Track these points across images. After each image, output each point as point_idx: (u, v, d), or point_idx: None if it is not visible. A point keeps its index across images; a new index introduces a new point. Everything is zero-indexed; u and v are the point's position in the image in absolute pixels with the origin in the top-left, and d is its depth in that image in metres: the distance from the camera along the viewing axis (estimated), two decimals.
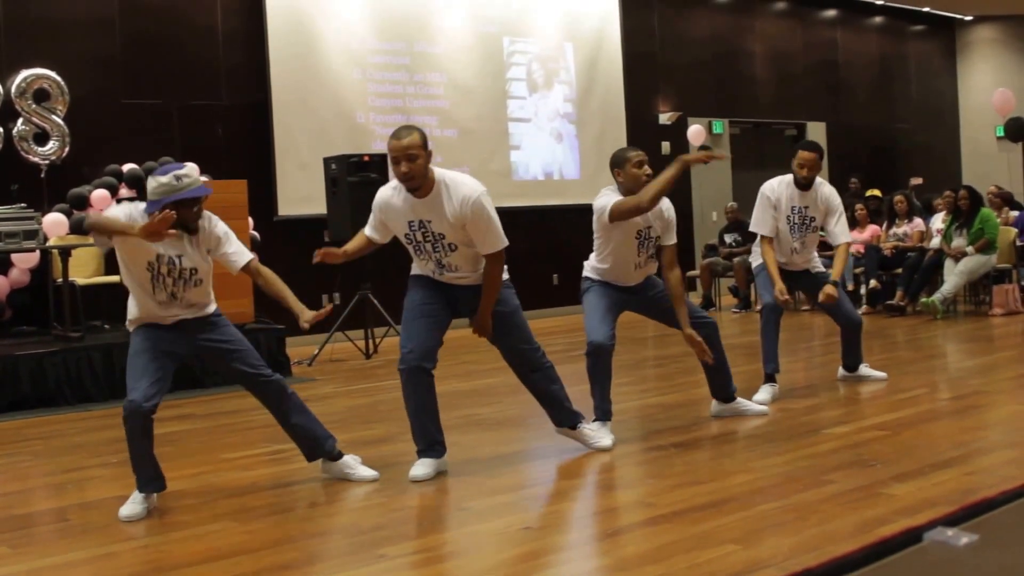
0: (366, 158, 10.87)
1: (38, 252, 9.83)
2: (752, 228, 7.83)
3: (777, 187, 7.76)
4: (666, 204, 6.54)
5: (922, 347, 10.20)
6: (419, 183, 5.48)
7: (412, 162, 5.43)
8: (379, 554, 4.37)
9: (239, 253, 5.49)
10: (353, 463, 5.71)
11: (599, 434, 6.16)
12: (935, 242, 12.79)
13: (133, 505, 5.17)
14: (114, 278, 10.00)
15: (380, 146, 12.78)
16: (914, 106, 20.85)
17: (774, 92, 18.35)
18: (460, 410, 7.62)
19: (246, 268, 5.47)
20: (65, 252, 9.33)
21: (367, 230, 5.87)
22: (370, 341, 11.06)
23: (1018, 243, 12.77)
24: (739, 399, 6.93)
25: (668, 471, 5.60)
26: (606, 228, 6.41)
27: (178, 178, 5.13)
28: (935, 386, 8.05)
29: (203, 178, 5.18)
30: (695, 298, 15.05)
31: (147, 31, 11.84)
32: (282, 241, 11.97)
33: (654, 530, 4.56)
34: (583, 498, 5.40)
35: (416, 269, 5.85)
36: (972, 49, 21.72)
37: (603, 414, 6.38)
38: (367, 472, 5.67)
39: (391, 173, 5.59)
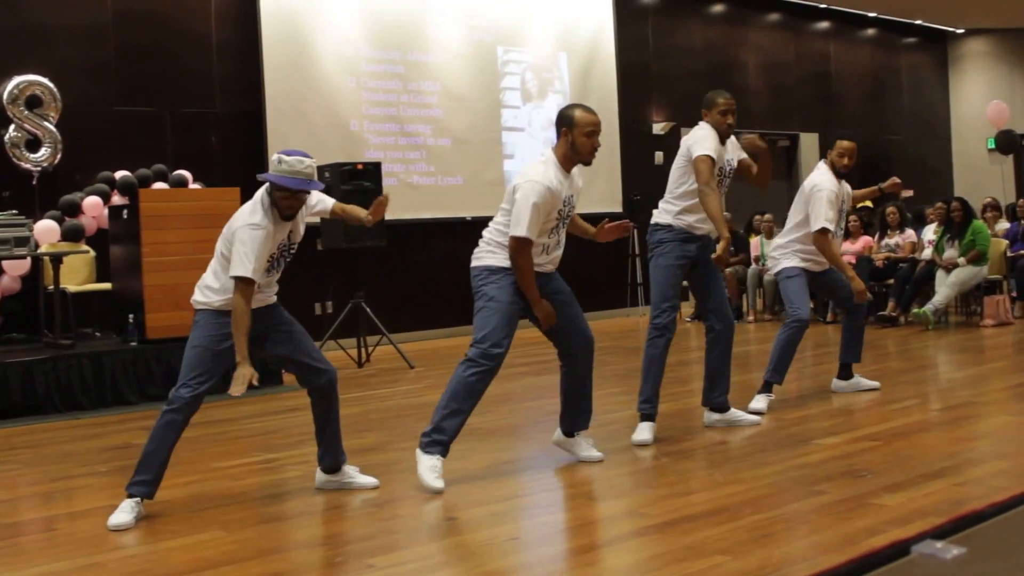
0: (359, 166, 10.85)
1: (29, 259, 9.80)
2: (823, 224, 7.47)
3: (830, 183, 7.74)
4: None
5: (913, 358, 10.20)
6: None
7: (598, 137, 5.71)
8: (368, 564, 4.36)
9: (323, 201, 5.71)
10: (353, 472, 5.71)
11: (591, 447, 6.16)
12: (927, 253, 12.81)
13: (122, 514, 5.13)
14: (105, 286, 10.02)
15: (374, 155, 12.81)
16: (906, 118, 20.89)
17: (767, 103, 18.37)
18: None
19: (331, 210, 5.75)
20: (56, 259, 9.32)
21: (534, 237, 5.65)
22: (362, 350, 11.04)
23: (1009, 254, 12.79)
24: (732, 409, 6.92)
25: (659, 481, 5.59)
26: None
27: (280, 161, 5.20)
28: (926, 397, 8.05)
29: (308, 159, 5.28)
30: (687, 307, 15.05)
31: (140, 38, 11.82)
32: None
33: (644, 541, 4.56)
34: (573, 508, 5.39)
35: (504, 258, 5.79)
36: (964, 62, 21.77)
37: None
38: (367, 480, 5.69)
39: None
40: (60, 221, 10.27)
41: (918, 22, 20.82)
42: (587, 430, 6.11)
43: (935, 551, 1.71)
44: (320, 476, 5.67)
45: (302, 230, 5.52)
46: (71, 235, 10.23)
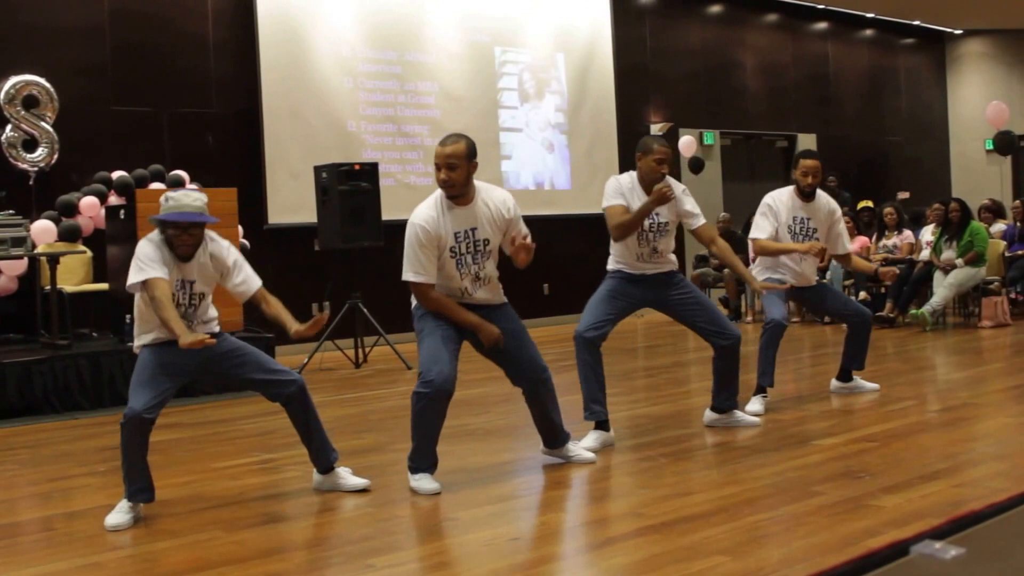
0: (357, 167, 10.86)
1: (26, 259, 9.80)
2: (752, 235, 7.78)
3: (779, 196, 7.78)
4: (679, 188, 6.65)
5: (911, 359, 10.20)
6: (459, 191, 5.57)
7: (452, 171, 5.53)
8: (367, 564, 4.36)
9: (247, 282, 5.55)
10: (344, 473, 5.68)
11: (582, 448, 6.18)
12: (924, 254, 12.81)
13: (119, 514, 5.13)
14: (102, 286, 10.01)
15: (371, 155, 12.82)
16: (904, 119, 20.91)
17: (765, 104, 18.38)
18: (450, 420, 7.54)
19: (255, 296, 5.55)
20: (53, 259, 9.30)
21: (427, 279, 5.61)
22: (359, 350, 11.03)
23: (1007, 254, 12.80)
24: (734, 410, 6.93)
25: (658, 482, 5.59)
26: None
27: (166, 199, 5.25)
28: (924, 398, 8.05)
29: (196, 192, 5.20)
30: None
31: (137, 39, 11.82)
32: (271, 249, 11.97)
33: (643, 541, 4.55)
34: (572, 509, 5.38)
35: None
36: (962, 63, 21.78)
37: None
38: (358, 481, 5.65)
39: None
40: (57, 221, 10.26)
41: (916, 23, 20.83)
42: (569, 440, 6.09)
43: (934, 551, 1.70)
44: (316, 477, 5.69)
45: (204, 283, 5.43)
46: (68, 235, 10.22)
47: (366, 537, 4.77)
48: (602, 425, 6.49)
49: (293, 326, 5.35)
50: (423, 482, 5.51)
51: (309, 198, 11.45)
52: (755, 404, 7.41)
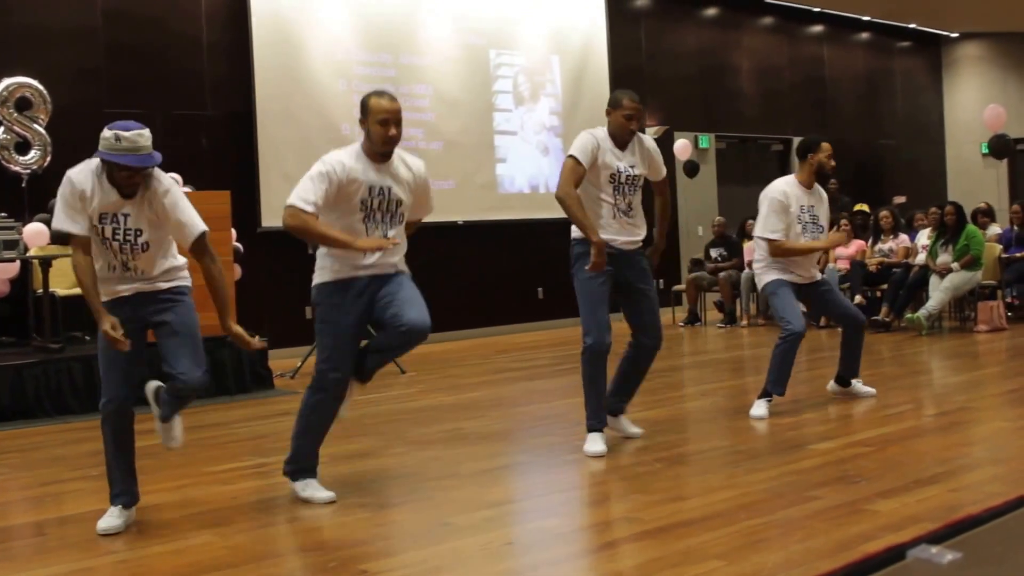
0: None
1: (18, 262, 9.76)
2: (764, 234, 7.49)
3: (786, 189, 7.54)
4: (649, 140, 6.64)
5: (907, 363, 10.19)
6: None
7: (399, 127, 5.49)
8: (361, 570, 4.33)
9: (191, 225, 5.14)
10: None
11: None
12: (920, 258, 12.80)
13: (111, 518, 5.09)
14: None
15: None
16: (900, 122, 20.92)
17: (760, 107, 18.38)
18: (444, 424, 7.59)
19: (198, 242, 5.13)
20: (45, 262, 9.27)
21: (311, 208, 5.33)
22: None
23: (1003, 255, 12.79)
24: (621, 416, 6.82)
25: (653, 486, 5.56)
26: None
27: (118, 139, 4.94)
28: (920, 402, 8.04)
29: (142, 128, 5.03)
30: (680, 312, 15.04)
31: (131, 40, 11.80)
32: (265, 253, 11.93)
33: (639, 546, 4.54)
34: (567, 513, 5.35)
35: (338, 268, 5.56)
36: (958, 66, 21.80)
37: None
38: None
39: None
40: (49, 224, 10.21)
41: (912, 26, 20.85)
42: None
43: (931, 556, 1.69)
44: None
45: (148, 224, 5.07)
46: (60, 239, 10.16)
47: (360, 542, 4.74)
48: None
49: (229, 322, 5.22)
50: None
51: None
52: (759, 408, 7.34)
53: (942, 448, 6.20)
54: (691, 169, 16.65)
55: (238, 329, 5.23)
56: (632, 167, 6.42)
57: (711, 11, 17.83)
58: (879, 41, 20.70)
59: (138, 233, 5.04)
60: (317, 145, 12.49)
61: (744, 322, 14.16)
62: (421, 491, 5.75)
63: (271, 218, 12.38)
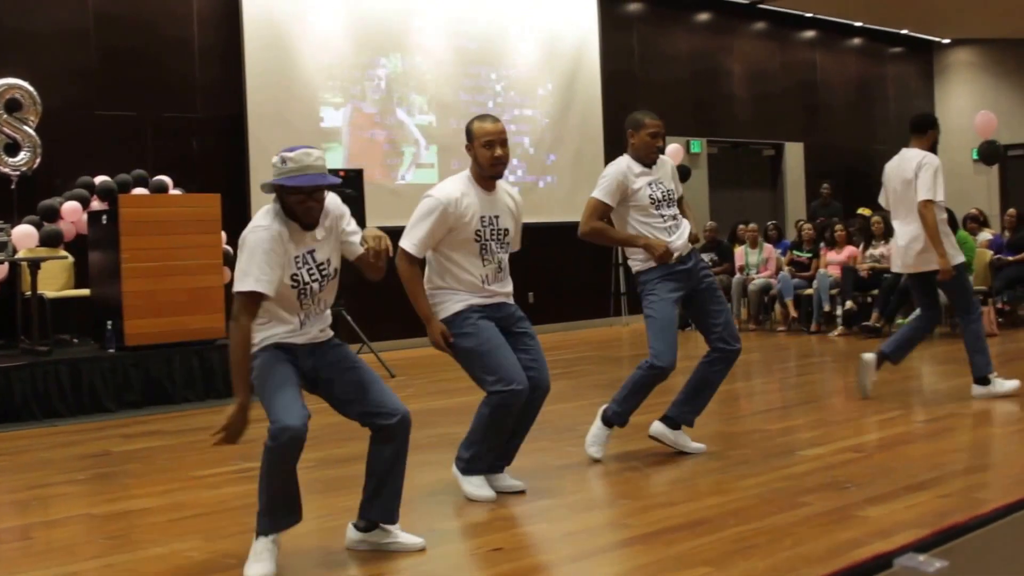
0: (342, 173, 10.81)
1: (7, 264, 9.73)
2: (935, 196, 7.68)
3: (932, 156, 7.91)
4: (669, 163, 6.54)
5: (897, 369, 10.14)
6: (503, 171, 5.50)
7: (504, 147, 5.45)
8: (350, 575, 4.31)
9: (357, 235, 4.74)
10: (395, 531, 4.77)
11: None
12: None
13: (262, 564, 4.41)
14: (83, 292, 9.95)
15: (356, 161, 12.75)
16: (892, 128, 20.90)
17: (752, 112, 18.38)
18: (434, 428, 7.56)
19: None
20: (34, 265, 9.23)
21: (420, 252, 5.40)
22: None
23: (994, 257, 12.79)
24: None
25: (642, 492, 5.55)
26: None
27: (284, 161, 4.40)
28: (910, 408, 8.02)
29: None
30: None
31: (122, 43, 11.76)
32: None
33: (628, 551, 4.53)
34: (556, 519, 5.33)
35: (456, 301, 5.48)
36: (950, 72, 21.82)
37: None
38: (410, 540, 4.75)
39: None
40: (39, 226, 10.19)
41: (904, 32, 20.87)
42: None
43: (917, 564, 1.69)
44: (354, 534, 4.79)
45: (333, 250, 4.67)
46: (49, 240, 10.15)
47: (346, 548, 4.72)
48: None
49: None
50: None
51: None
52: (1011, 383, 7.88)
53: (932, 454, 6.19)
54: (683, 174, 16.61)
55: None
56: (662, 182, 6.37)
57: (703, 16, 17.83)
58: (871, 47, 20.72)
59: (327, 263, 4.66)
60: None
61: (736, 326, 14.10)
62: (410, 496, 5.72)
63: None
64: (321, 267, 4.58)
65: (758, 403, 7.58)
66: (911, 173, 7.81)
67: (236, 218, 11.53)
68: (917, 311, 8.40)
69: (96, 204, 10.40)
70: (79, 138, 11.30)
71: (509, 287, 5.60)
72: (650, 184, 6.29)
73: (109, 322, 9.10)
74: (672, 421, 6.43)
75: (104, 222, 9.36)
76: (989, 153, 17.27)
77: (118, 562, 4.67)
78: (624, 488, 5.78)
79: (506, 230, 5.51)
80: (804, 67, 19.41)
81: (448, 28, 14.22)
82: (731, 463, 6.17)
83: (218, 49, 12.47)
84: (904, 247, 7.96)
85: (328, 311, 4.74)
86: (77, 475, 6.56)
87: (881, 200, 8.26)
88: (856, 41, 20.45)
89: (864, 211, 14.70)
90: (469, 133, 5.54)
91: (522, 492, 5.56)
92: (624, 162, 6.39)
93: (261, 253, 4.33)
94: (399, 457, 4.65)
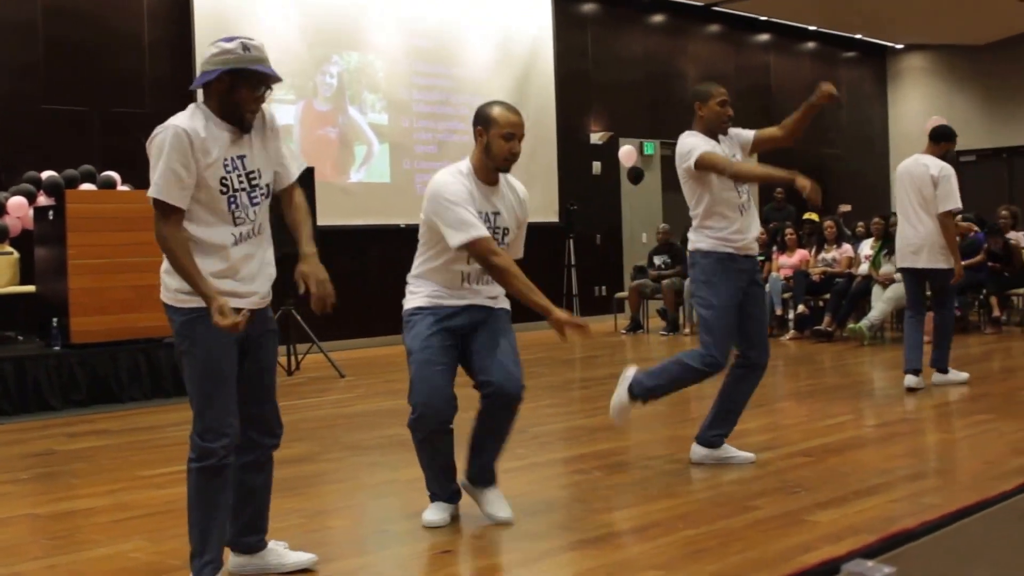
0: None
1: None
2: (957, 205, 8.28)
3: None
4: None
5: (849, 373, 10.23)
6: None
7: (520, 145, 4.91)
8: None
9: (294, 158, 4.34)
10: (280, 549, 4.43)
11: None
12: (863, 268, 12.86)
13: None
14: (29, 288, 9.82)
15: (306, 159, 12.65)
16: (845, 132, 21.06)
17: None
18: (383, 429, 7.52)
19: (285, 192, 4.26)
20: None
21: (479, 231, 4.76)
22: (292, 357, 10.89)
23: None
24: (725, 445, 6.23)
25: (591, 495, 5.53)
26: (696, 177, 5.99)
27: (246, 48, 3.98)
28: (861, 413, 8.05)
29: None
30: (623, 320, 15.04)
31: (70, 37, 11.61)
32: None
33: (576, 555, 4.50)
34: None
35: (423, 295, 5.00)
36: (902, 77, 22.00)
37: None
38: (300, 557, 4.42)
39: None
40: None
41: (858, 37, 21.01)
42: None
43: (865, 570, 1.68)
44: (236, 559, 4.34)
45: (265, 165, 4.13)
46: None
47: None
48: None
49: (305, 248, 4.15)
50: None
51: None
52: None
53: (882, 459, 6.20)
54: (636, 176, 16.66)
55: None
56: (736, 156, 6.16)
57: (658, 18, 17.87)
58: (825, 51, 20.84)
59: (259, 175, 4.10)
60: None
61: (687, 330, 14.15)
62: (358, 497, 5.69)
63: None
64: (251, 176, 4.03)
65: (709, 407, 7.56)
66: (927, 179, 8.31)
67: None
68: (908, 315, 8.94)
69: (43, 199, 10.27)
70: (25, 132, 11.15)
71: (497, 290, 5.03)
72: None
73: (55, 319, 8.97)
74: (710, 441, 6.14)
75: (50, 218, 9.23)
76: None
77: (61, 563, 4.59)
78: (574, 491, 5.76)
79: (506, 229, 4.96)
80: (758, 70, 19.49)
81: (402, 26, 14.16)
82: (681, 467, 6.15)
83: (168, 44, 12.35)
84: (919, 245, 8.43)
85: (272, 262, 4.22)
86: (20, 474, 6.47)
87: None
88: (810, 45, 20.56)
89: (811, 216, 14.70)
90: (487, 118, 4.89)
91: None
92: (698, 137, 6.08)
93: (168, 154, 3.93)
94: (267, 484, 4.33)
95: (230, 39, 4.02)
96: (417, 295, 4.99)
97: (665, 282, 14.47)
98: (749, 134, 6.34)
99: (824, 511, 5.00)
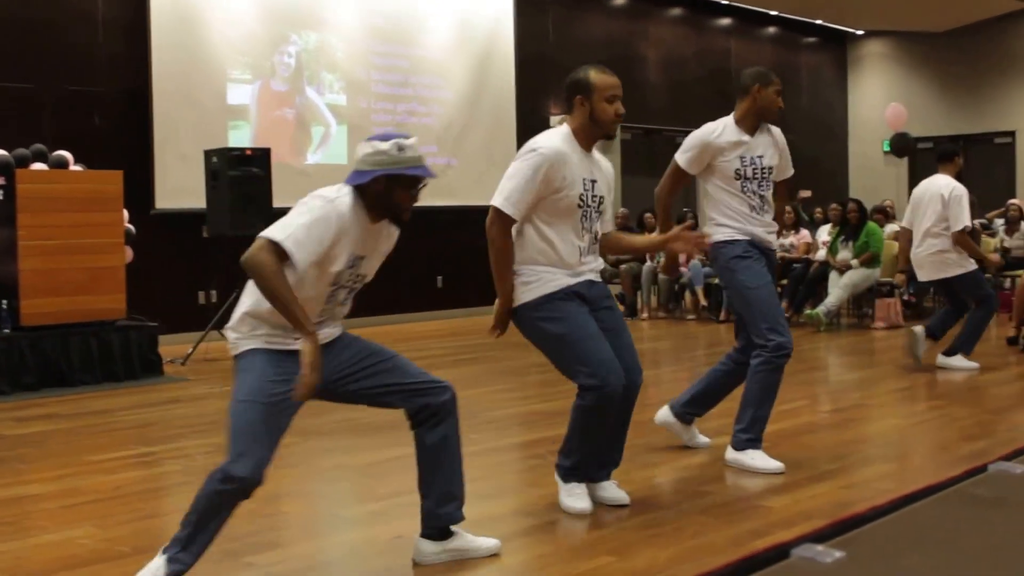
0: (248, 152, 10.64)
1: None
2: (967, 224, 8.67)
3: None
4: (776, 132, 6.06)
5: (804, 359, 10.25)
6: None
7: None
8: (247, 562, 4.27)
9: None
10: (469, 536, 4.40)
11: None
12: (821, 254, 12.90)
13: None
14: None
15: (264, 141, 12.56)
16: (804, 118, 21.10)
17: (666, 99, 18.44)
18: (336, 414, 7.44)
19: None
20: None
21: (518, 214, 4.69)
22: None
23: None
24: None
25: (546, 480, 5.50)
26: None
27: (401, 148, 3.93)
28: (815, 399, 8.07)
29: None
30: None
31: (21, 12, 11.42)
32: (158, 235, 11.66)
33: (531, 540, 4.49)
34: None
35: (547, 282, 4.81)
36: (863, 63, 22.06)
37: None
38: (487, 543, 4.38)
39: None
40: None
41: (819, 22, 21.05)
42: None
43: (815, 555, 1.69)
44: (425, 546, 4.34)
45: (374, 266, 4.20)
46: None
47: (248, 534, 4.62)
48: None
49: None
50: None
51: (199, 182, 11.15)
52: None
53: (836, 445, 6.22)
54: (901, 145, 16.58)
55: None
56: (761, 157, 5.93)
57: (619, 1, 17.84)
58: (786, 36, 20.87)
59: (363, 278, 4.19)
60: (215, 127, 12.30)
61: (644, 315, 14.16)
62: (311, 482, 5.65)
63: (165, 199, 12.10)
64: (358, 279, 4.12)
65: (665, 391, 7.56)
66: (938, 198, 8.75)
67: (138, 196, 11.33)
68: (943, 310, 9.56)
69: None
70: None
71: (601, 263, 5.00)
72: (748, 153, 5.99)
73: (4, 301, 8.84)
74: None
75: (0, 198, 9.11)
76: (900, 146, 17.51)
77: (8, 550, 4.53)
78: (529, 476, 5.74)
79: (601, 197, 4.85)
80: (718, 55, 19.50)
81: (361, 5, 14.05)
82: (635, 452, 6.12)
83: (123, 21, 12.18)
84: (934, 260, 8.85)
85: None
86: None
87: (906, 221, 9.18)
88: (771, 30, 20.59)
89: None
90: (586, 85, 4.85)
91: (625, 507, 4.90)
92: (721, 126, 6.13)
93: (319, 223, 3.82)
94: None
95: (385, 138, 3.97)
96: (539, 283, 4.84)
97: (623, 267, 14.47)
98: (785, 153, 6.22)
99: (777, 496, 5.01)
